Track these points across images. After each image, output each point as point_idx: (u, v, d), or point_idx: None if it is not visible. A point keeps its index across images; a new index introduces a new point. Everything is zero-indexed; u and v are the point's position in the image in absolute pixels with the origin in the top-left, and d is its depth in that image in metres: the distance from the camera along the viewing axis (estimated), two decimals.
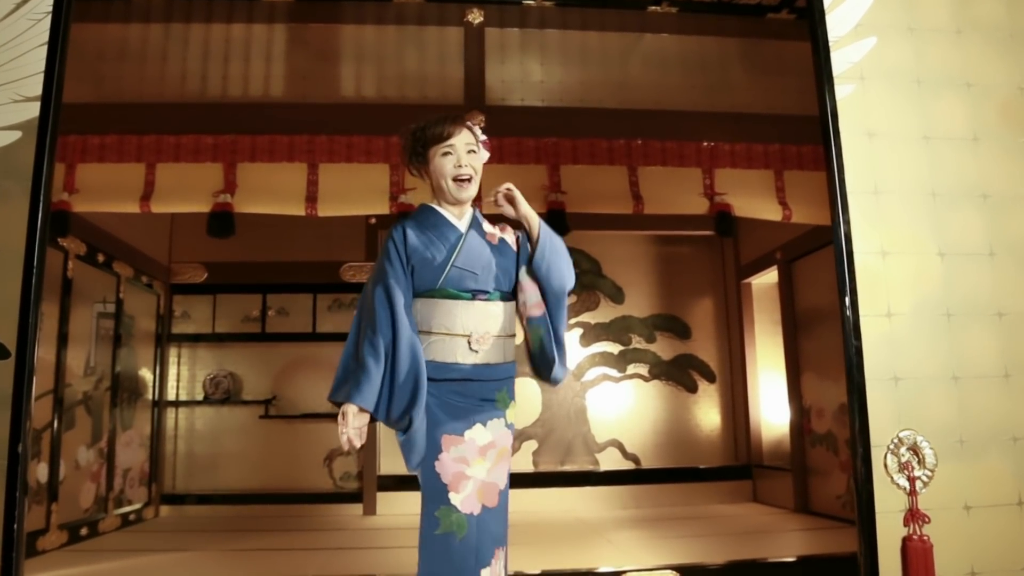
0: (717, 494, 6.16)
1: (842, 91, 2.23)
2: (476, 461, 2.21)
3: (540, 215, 2.36)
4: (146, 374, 5.76)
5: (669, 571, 3.63)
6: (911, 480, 1.85)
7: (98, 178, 3.85)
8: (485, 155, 2.45)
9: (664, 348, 6.57)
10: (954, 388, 1.96)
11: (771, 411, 6.22)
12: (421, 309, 2.29)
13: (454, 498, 2.16)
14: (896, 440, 1.89)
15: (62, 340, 4.49)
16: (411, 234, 2.32)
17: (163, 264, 6.01)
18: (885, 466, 1.87)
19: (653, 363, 6.52)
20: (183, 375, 6.13)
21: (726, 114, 4.28)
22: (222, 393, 6.06)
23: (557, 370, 2.32)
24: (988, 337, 2.05)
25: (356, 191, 4.00)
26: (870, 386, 1.90)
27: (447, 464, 2.18)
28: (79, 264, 4.70)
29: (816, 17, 2.22)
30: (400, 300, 2.23)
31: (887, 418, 1.93)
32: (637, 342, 6.56)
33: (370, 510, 5.76)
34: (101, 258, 4.99)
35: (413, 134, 2.38)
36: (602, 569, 3.66)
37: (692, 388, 6.54)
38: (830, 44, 2.24)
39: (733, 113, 4.29)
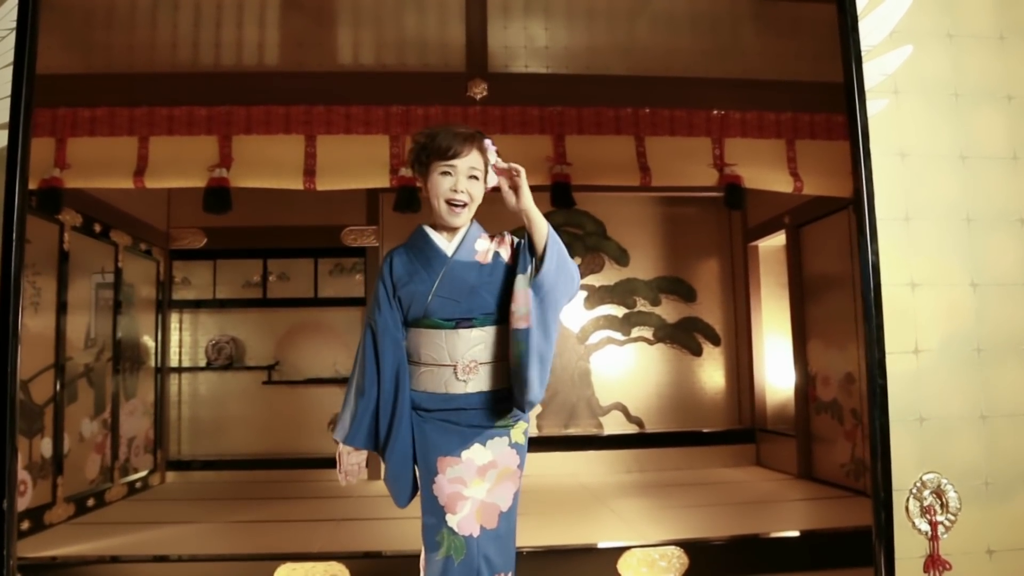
0: (720, 457, 6.18)
1: (874, 106, 2.03)
2: (474, 481, 2.12)
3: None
4: (148, 342, 5.74)
5: (674, 547, 3.65)
6: (933, 525, 1.78)
7: (90, 152, 3.73)
8: (493, 179, 2.23)
9: (669, 311, 6.53)
10: (982, 427, 1.86)
11: (775, 375, 6.20)
12: (411, 339, 2.21)
13: (451, 519, 2.09)
14: (919, 483, 1.81)
15: (61, 315, 4.44)
16: (397, 265, 2.22)
17: (161, 230, 5.93)
18: (907, 510, 1.80)
19: (658, 326, 6.49)
20: (185, 341, 6.12)
21: (737, 81, 4.12)
22: (224, 359, 6.04)
23: (531, 393, 2.11)
24: (1020, 373, 1.95)
25: (355, 163, 3.87)
26: (894, 427, 1.80)
27: (443, 485, 2.11)
28: (75, 236, 4.62)
29: (849, 23, 2.02)
30: (386, 338, 2.17)
31: (910, 460, 1.83)
32: (642, 305, 6.51)
33: (375, 475, 5.78)
34: (98, 228, 4.91)
35: (424, 140, 2.19)
36: (607, 545, 3.66)
37: (697, 351, 6.52)
38: (862, 54, 2.05)
39: (744, 80, 4.13)
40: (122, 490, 5.15)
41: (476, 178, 2.16)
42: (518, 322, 2.12)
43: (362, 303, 6.10)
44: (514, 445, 2.19)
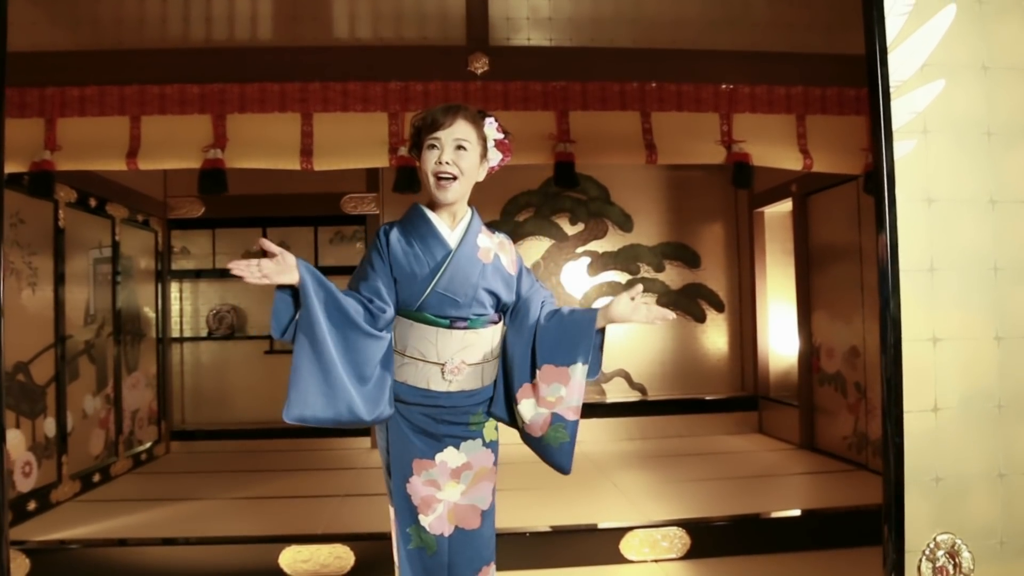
0: (723, 425, 6.20)
1: (902, 148, 1.83)
2: (448, 484, 2.14)
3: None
4: (148, 313, 5.70)
5: (676, 527, 3.67)
6: None
7: (81, 133, 3.61)
8: (497, 156, 2.21)
9: (673, 277, 6.47)
10: (999, 486, 1.80)
11: (779, 343, 6.18)
12: (399, 329, 2.16)
13: (423, 520, 2.13)
14: (933, 544, 1.76)
15: (59, 294, 4.39)
16: (395, 242, 2.13)
17: (159, 200, 5.83)
18: (919, 571, 1.74)
19: (661, 292, 6.44)
20: (186, 311, 6.09)
21: (746, 53, 3.98)
22: (226, 328, 6.02)
23: (570, 465, 2.21)
24: None
25: (353, 142, 3.76)
26: (909, 487, 1.73)
27: (417, 487, 2.13)
28: (70, 211, 4.54)
29: (878, 58, 1.84)
30: (364, 296, 2.06)
31: (925, 520, 1.76)
32: (645, 271, 6.45)
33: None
34: (93, 203, 4.82)
35: (417, 122, 2.16)
36: (610, 526, 3.68)
37: (700, 318, 6.49)
38: (891, 90, 1.88)
39: (754, 52, 3.98)
40: (127, 463, 5.18)
41: (464, 148, 2.09)
42: (567, 412, 2.14)
43: None
44: (488, 444, 2.22)
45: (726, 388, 6.45)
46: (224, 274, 6.04)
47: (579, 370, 2.11)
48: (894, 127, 1.80)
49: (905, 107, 1.84)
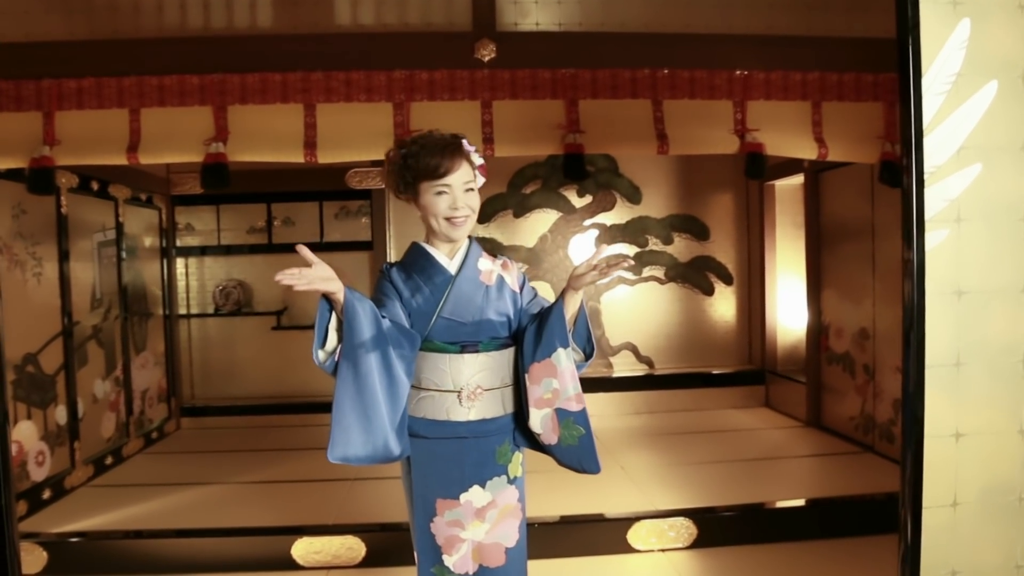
0: (730, 398, 6.22)
1: (933, 239, 1.77)
2: (472, 523, 2.11)
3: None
4: (155, 291, 5.68)
5: (683, 518, 3.70)
6: None
7: (79, 127, 3.52)
8: (481, 180, 2.18)
9: (681, 250, 6.42)
10: None
11: (787, 317, 6.15)
12: None
13: (447, 560, 2.10)
14: None
15: (64, 281, 4.36)
16: (396, 278, 2.12)
17: (161, 177, 5.76)
18: None
19: (670, 265, 6.40)
20: (192, 287, 6.08)
21: (761, 37, 3.84)
22: (232, 304, 6.01)
23: (597, 464, 2.17)
24: None
25: (358, 133, 3.66)
26: None
27: (441, 527, 2.10)
28: (72, 197, 4.49)
29: (914, 143, 1.68)
30: (385, 314, 2.00)
31: None
32: (654, 244, 6.40)
33: None
34: (95, 186, 4.76)
35: (403, 160, 2.08)
36: (618, 516, 3.72)
37: (708, 291, 6.45)
38: (925, 177, 1.75)
39: (768, 36, 3.85)
40: (139, 443, 5.23)
41: (471, 189, 2.09)
42: (570, 403, 2.09)
43: (368, 246, 6.02)
44: (513, 480, 2.17)
45: (733, 362, 6.45)
46: (229, 250, 6.04)
47: (563, 356, 2.06)
48: (926, 217, 1.69)
49: (938, 195, 1.77)
